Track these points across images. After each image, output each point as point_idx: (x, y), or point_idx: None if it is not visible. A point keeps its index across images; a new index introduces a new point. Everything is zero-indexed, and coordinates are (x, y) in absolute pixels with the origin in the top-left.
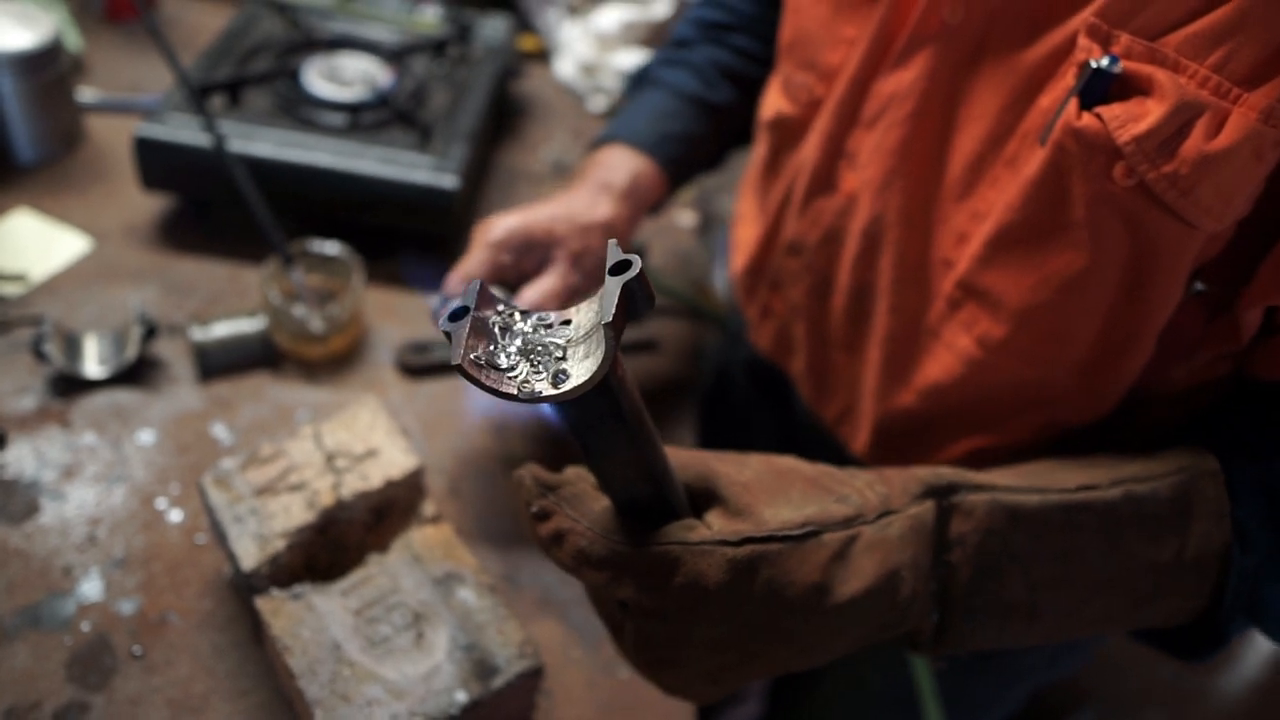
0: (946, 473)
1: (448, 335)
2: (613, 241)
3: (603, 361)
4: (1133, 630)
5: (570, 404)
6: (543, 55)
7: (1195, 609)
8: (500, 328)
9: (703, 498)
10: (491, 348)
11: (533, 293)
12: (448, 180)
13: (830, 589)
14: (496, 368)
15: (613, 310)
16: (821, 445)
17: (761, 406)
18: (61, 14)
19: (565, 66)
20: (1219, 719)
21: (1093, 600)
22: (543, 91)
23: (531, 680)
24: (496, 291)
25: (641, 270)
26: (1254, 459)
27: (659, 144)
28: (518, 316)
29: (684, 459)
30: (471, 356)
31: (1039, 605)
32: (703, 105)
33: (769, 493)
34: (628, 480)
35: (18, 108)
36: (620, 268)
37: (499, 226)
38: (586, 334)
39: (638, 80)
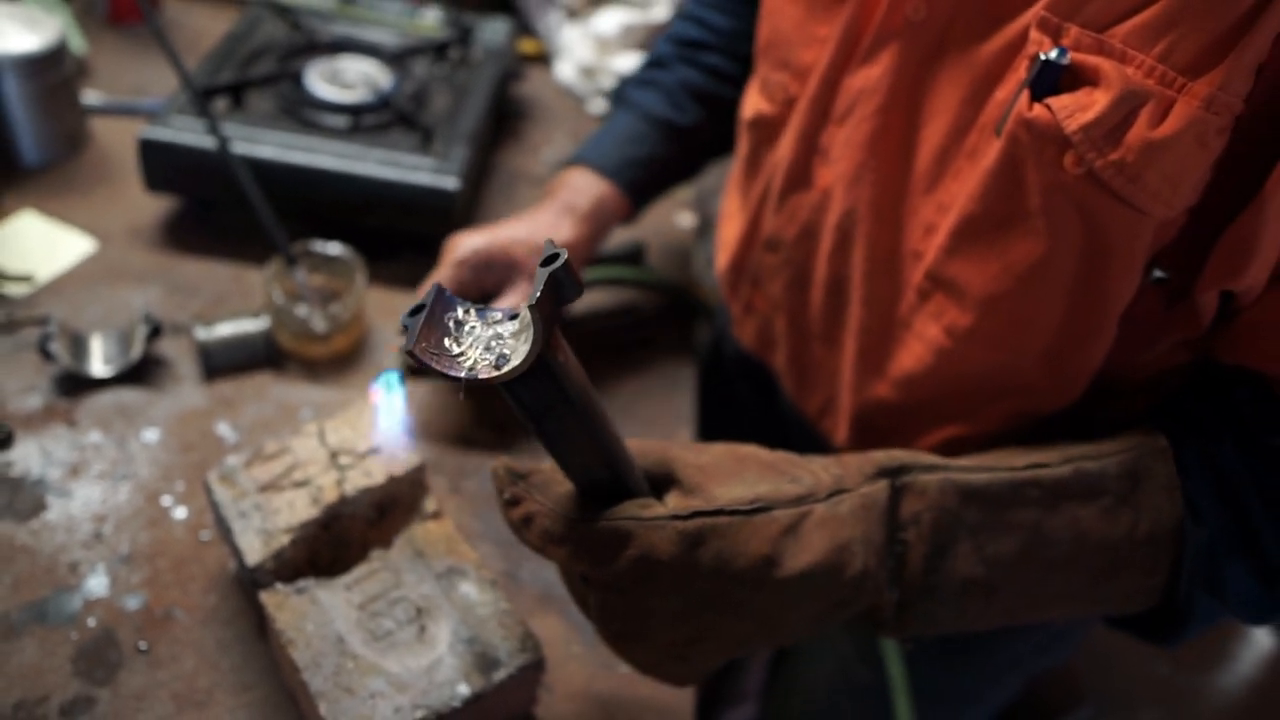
0: (900, 454)
1: (405, 328)
2: (548, 239)
3: (533, 342)
4: (1103, 615)
5: (514, 386)
6: (543, 58)
7: (1155, 586)
8: (455, 322)
9: (663, 482)
10: (444, 340)
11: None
12: (449, 182)
13: (779, 561)
14: (447, 355)
15: (537, 295)
16: (810, 438)
17: (751, 401)
18: (66, 17)
19: (565, 69)
20: (1216, 717)
21: (1050, 576)
22: (543, 94)
23: (533, 673)
24: (452, 295)
25: (567, 261)
26: (1205, 439)
27: (622, 169)
28: (472, 314)
29: (645, 447)
30: (424, 345)
31: (995, 582)
32: (669, 128)
33: (724, 474)
34: (584, 465)
35: (23, 110)
36: (549, 260)
37: (463, 246)
38: (529, 324)
39: (615, 98)
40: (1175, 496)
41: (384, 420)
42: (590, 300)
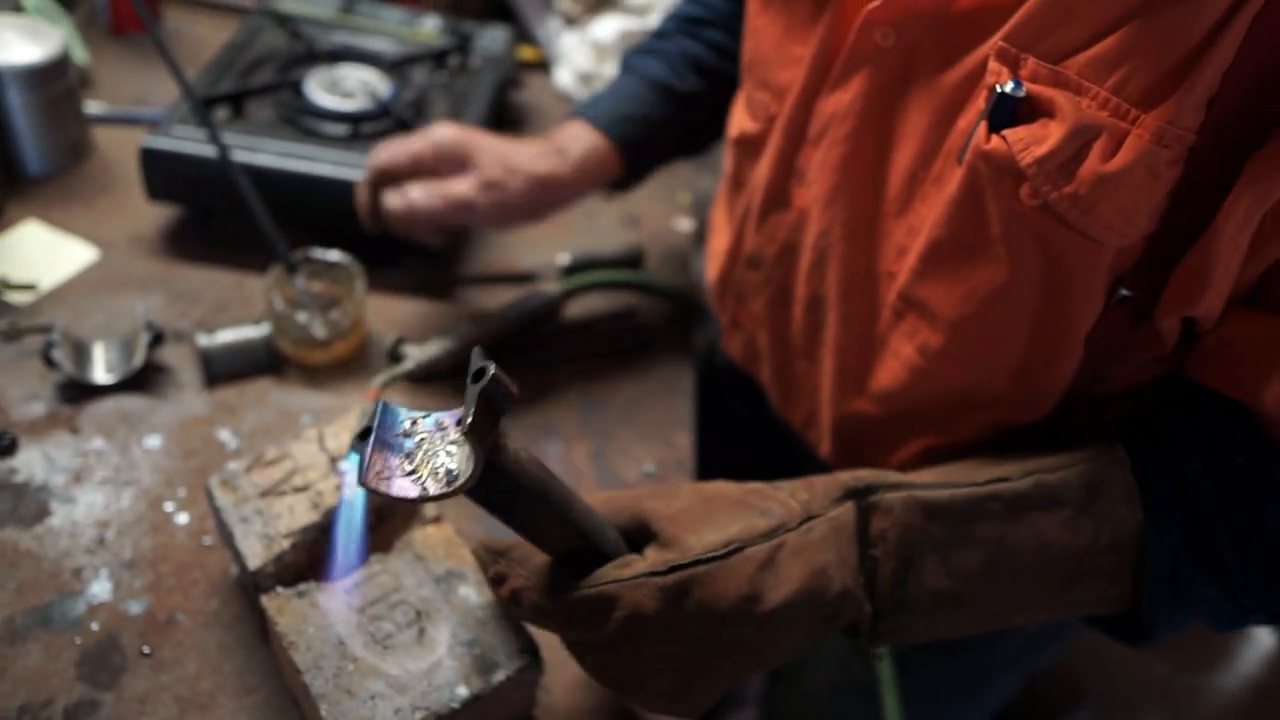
0: (865, 475)
1: (358, 454)
2: (476, 350)
3: (475, 459)
4: (1077, 617)
5: (470, 494)
6: (542, 65)
7: (1122, 593)
8: (403, 434)
9: (640, 536)
10: (395, 458)
11: (419, 192)
12: None
13: (761, 597)
14: (401, 474)
15: (469, 419)
16: (800, 447)
17: (743, 410)
18: (68, 28)
19: (564, 76)
20: (1217, 716)
21: (1015, 586)
22: (542, 100)
23: (532, 675)
24: (398, 407)
25: (496, 373)
26: (1173, 454)
27: (617, 124)
28: (419, 424)
29: (618, 503)
30: (376, 470)
31: (961, 593)
32: (668, 91)
33: (696, 520)
34: (557, 539)
35: (26, 120)
36: (478, 375)
37: (440, 132)
38: (467, 444)
39: (620, 68)
40: (1134, 506)
41: (346, 522)
42: (589, 304)
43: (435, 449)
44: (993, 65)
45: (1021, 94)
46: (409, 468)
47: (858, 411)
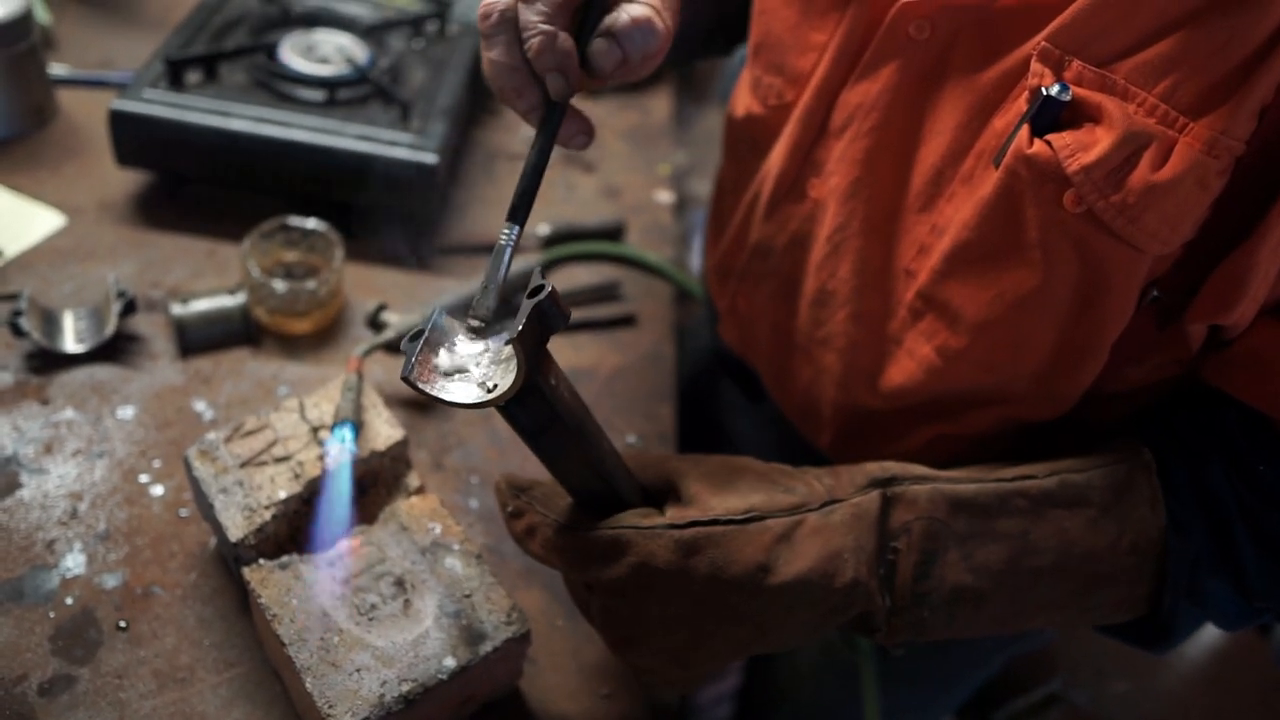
0: (892, 466)
1: (406, 353)
2: (537, 268)
3: (518, 371)
4: (1093, 625)
5: (507, 408)
6: None
7: (1140, 597)
8: (452, 346)
9: (662, 493)
10: (441, 363)
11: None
12: (428, 156)
13: (773, 568)
14: (442, 378)
15: (519, 328)
16: (795, 435)
17: (737, 397)
18: None
19: None
20: (1183, 685)
21: (1037, 585)
22: None
23: (519, 646)
24: (454, 320)
25: (552, 292)
26: (1194, 460)
27: None
28: (470, 339)
29: (646, 460)
30: (418, 372)
31: (983, 590)
32: None
33: (720, 484)
34: (581, 478)
35: None
36: (534, 291)
37: None
38: (513, 355)
39: None
40: (1158, 509)
41: (331, 495)
42: (571, 277)
43: (482, 360)
44: (1035, 66)
45: (1068, 98)
46: (454, 374)
47: (863, 406)
